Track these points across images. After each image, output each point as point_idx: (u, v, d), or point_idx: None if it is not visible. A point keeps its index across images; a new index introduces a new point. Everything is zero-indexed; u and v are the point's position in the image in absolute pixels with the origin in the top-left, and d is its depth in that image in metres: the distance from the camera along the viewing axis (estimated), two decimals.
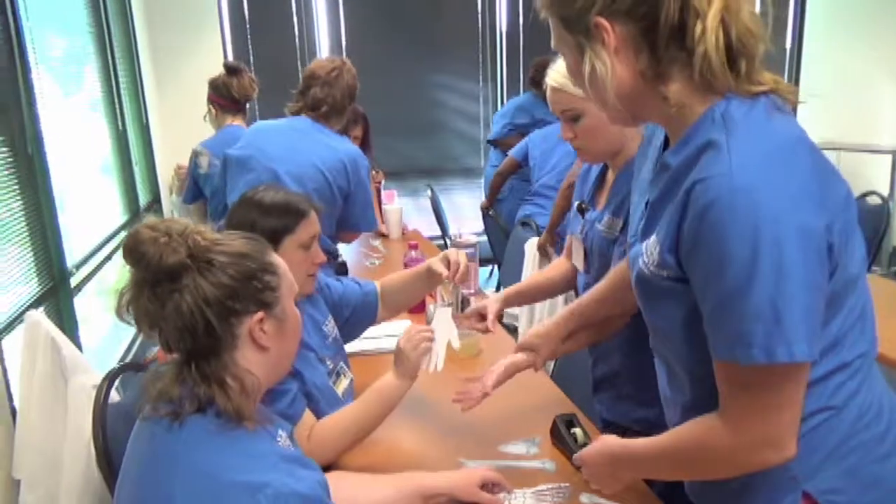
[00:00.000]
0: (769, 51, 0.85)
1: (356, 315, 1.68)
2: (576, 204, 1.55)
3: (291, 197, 1.44)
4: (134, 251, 0.91)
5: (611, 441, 1.06)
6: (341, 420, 1.38)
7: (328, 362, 1.50)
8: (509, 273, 3.39)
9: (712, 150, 0.82)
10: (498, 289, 3.52)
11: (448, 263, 1.58)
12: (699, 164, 0.83)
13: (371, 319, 1.71)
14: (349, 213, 2.29)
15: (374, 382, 1.40)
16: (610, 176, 1.48)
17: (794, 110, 0.91)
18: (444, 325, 1.47)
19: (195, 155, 3.03)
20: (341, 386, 1.51)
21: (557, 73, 1.36)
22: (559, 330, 1.44)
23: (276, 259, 1.02)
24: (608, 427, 1.58)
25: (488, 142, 4.37)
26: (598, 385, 1.60)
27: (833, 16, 4.73)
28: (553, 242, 2.98)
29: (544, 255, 2.99)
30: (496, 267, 4.13)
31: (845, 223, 0.82)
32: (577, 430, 1.38)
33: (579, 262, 1.56)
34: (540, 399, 1.64)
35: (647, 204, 0.96)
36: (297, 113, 2.34)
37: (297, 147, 2.24)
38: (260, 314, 0.96)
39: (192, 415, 0.90)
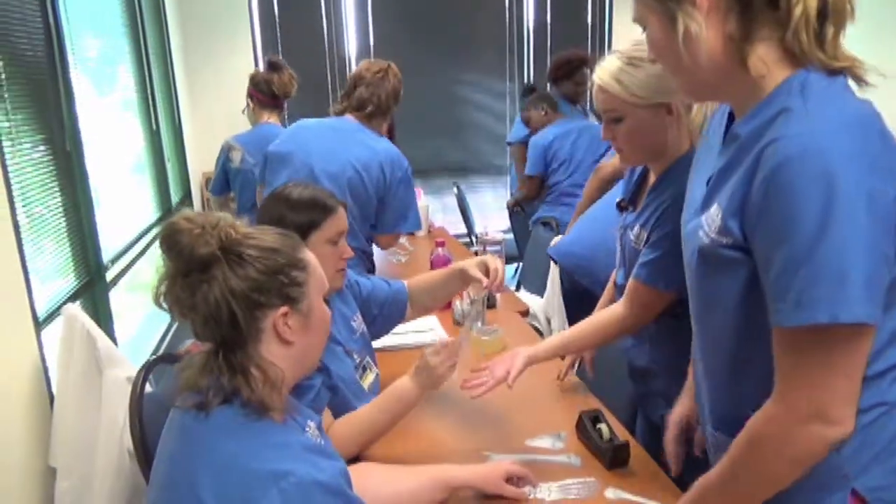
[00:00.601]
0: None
1: (385, 313, 1.70)
2: (617, 200, 1.54)
3: (319, 193, 1.46)
4: (169, 240, 0.94)
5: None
6: (357, 420, 1.40)
7: (355, 356, 1.52)
8: (528, 272, 3.38)
9: (788, 114, 0.82)
10: (518, 287, 3.51)
11: (486, 270, 1.58)
12: (773, 127, 0.83)
13: (399, 317, 1.73)
14: (387, 214, 2.29)
15: (397, 378, 1.42)
16: (651, 178, 1.47)
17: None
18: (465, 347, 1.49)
19: (228, 149, 3.06)
20: (367, 380, 1.54)
21: (604, 72, 1.33)
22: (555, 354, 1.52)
23: (307, 255, 1.04)
24: (643, 422, 1.59)
25: (508, 143, 4.35)
26: (633, 379, 1.60)
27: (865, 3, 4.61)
28: None
29: None
30: (520, 265, 4.13)
31: None
32: (603, 426, 1.38)
33: (618, 257, 1.56)
34: (565, 394, 1.65)
35: (709, 180, 0.96)
36: (341, 113, 2.36)
37: (335, 146, 2.26)
38: (284, 308, 0.98)
39: (219, 406, 0.93)
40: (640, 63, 1.29)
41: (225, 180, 3.12)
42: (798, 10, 0.82)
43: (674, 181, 1.35)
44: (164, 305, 0.96)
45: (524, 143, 3.93)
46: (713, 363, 1.01)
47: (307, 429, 1.03)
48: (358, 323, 1.59)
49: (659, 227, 1.35)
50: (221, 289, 0.93)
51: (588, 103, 3.94)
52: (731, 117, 0.97)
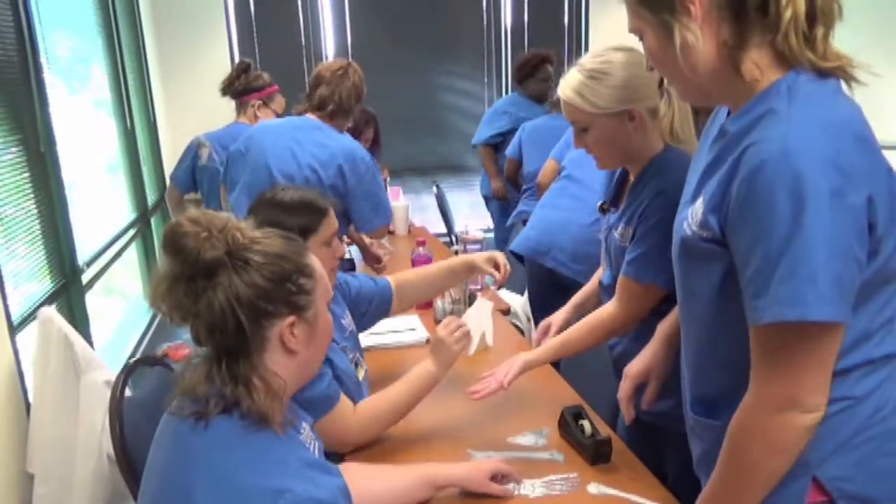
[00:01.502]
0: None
1: (372, 310, 1.73)
2: (598, 203, 1.57)
3: (309, 195, 1.47)
4: (174, 243, 0.92)
5: None
6: (384, 400, 1.44)
7: (349, 353, 1.55)
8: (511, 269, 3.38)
9: (771, 115, 0.85)
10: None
11: (497, 266, 1.65)
12: (756, 128, 0.86)
13: (384, 313, 1.76)
14: (359, 210, 2.27)
15: (383, 373, 1.48)
16: (631, 179, 1.50)
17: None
18: (481, 317, 1.55)
19: (197, 146, 3.02)
20: (359, 375, 1.56)
21: (567, 86, 1.39)
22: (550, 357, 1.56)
23: (313, 261, 1.02)
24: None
25: (473, 145, 4.32)
26: (616, 374, 1.62)
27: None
28: None
29: None
30: None
31: (890, 207, 0.84)
32: (585, 423, 1.40)
33: (603, 258, 1.59)
34: (547, 392, 1.66)
35: (699, 172, 0.99)
36: (301, 113, 2.35)
37: (292, 146, 2.25)
38: (291, 318, 0.96)
39: (218, 416, 0.91)
40: (600, 75, 1.35)
41: (192, 177, 3.08)
42: (787, 14, 0.84)
43: (652, 177, 1.40)
44: (163, 308, 0.94)
45: (489, 144, 3.96)
46: (691, 348, 1.05)
47: (301, 431, 1.03)
48: (348, 321, 1.61)
49: (643, 223, 1.39)
50: (227, 296, 0.91)
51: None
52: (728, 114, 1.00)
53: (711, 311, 0.97)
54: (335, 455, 1.38)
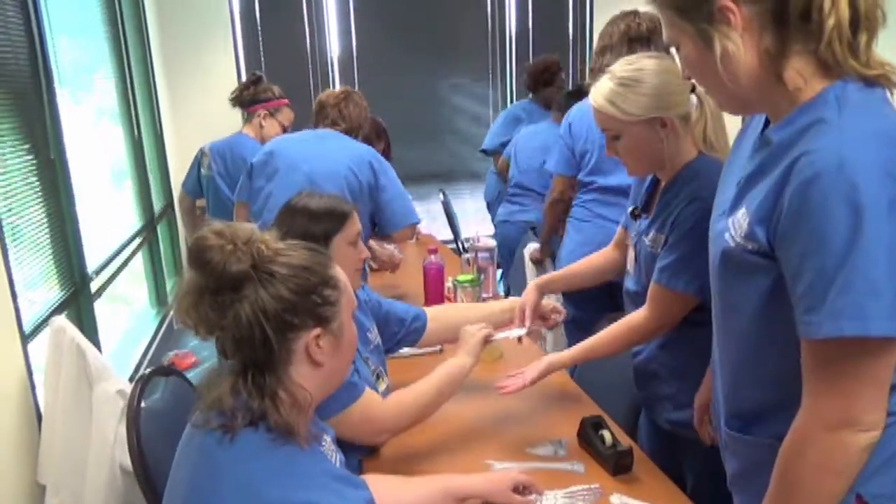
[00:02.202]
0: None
1: (402, 333, 1.74)
2: (630, 209, 1.57)
3: (333, 200, 1.51)
4: (199, 257, 0.91)
5: None
6: (417, 392, 1.45)
7: (370, 364, 1.55)
8: (514, 277, 3.39)
9: (822, 125, 0.83)
10: (507, 293, 3.52)
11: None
12: (805, 138, 0.84)
13: (413, 342, 1.77)
14: (391, 208, 2.32)
15: (408, 381, 1.48)
16: (662, 186, 1.50)
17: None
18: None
19: (201, 154, 3.06)
20: (381, 387, 1.56)
21: (599, 94, 1.38)
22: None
23: (338, 272, 1.02)
24: (648, 426, 1.61)
25: (481, 151, 4.34)
26: (638, 384, 1.62)
27: None
28: (548, 254, 2.97)
29: (539, 266, 2.98)
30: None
31: None
32: (605, 433, 1.39)
33: (630, 264, 1.58)
34: (564, 401, 1.65)
35: (739, 182, 0.97)
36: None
37: (321, 149, 2.31)
38: (317, 330, 0.96)
39: (244, 429, 0.90)
40: (632, 83, 1.34)
41: (199, 185, 3.10)
42: (831, 22, 0.83)
43: (686, 184, 1.39)
44: (189, 322, 0.93)
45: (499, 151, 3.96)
46: (729, 362, 1.03)
47: (324, 444, 1.02)
48: (374, 335, 1.62)
49: (676, 229, 1.38)
50: (254, 309, 0.90)
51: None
52: (766, 122, 0.99)
53: (755, 326, 0.95)
54: (354, 466, 1.37)
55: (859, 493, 0.88)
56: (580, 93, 3.42)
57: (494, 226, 3.78)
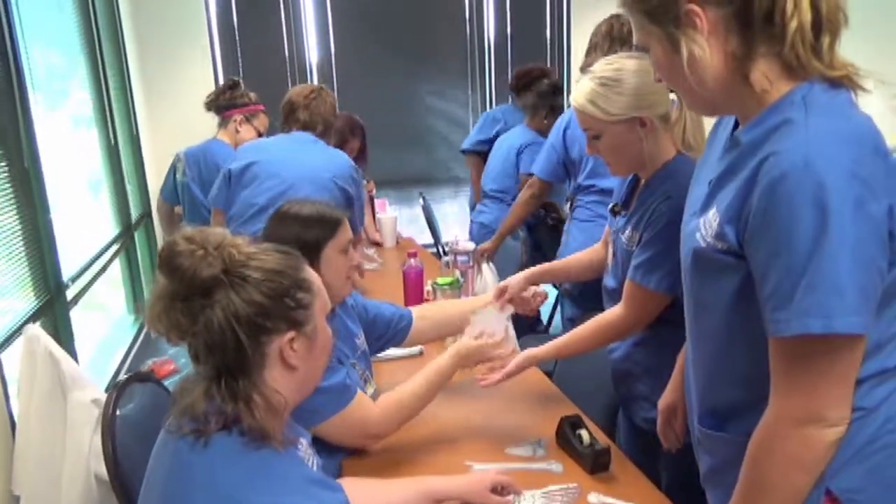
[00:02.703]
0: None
1: (388, 335, 1.74)
2: (610, 205, 1.58)
3: (325, 207, 1.51)
4: (169, 263, 0.90)
5: None
6: (406, 393, 1.46)
7: (358, 369, 1.55)
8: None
9: (789, 126, 0.85)
10: None
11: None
12: (773, 139, 0.85)
13: (399, 342, 1.77)
14: (354, 217, 2.33)
15: (390, 384, 1.49)
16: (641, 184, 1.52)
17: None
18: (494, 321, 1.56)
19: (176, 160, 3.04)
20: (368, 391, 1.56)
21: (580, 94, 1.40)
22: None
23: (311, 275, 1.01)
24: (626, 425, 1.62)
25: (461, 151, 4.35)
26: (615, 383, 1.63)
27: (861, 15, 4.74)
28: (494, 249, 2.99)
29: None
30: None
31: None
32: (583, 432, 1.40)
33: (609, 260, 1.60)
34: (543, 401, 1.66)
35: (710, 182, 0.98)
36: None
37: (302, 156, 2.32)
38: (291, 333, 0.95)
39: (217, 433, 0.90)
40: (612, 83, 1.35)
41: (175, 190, 3.09)
42: (793, 24, 0.85)
43: (661, 183, 1.41)
44: (160, 328, 0.92)
45: (476, 152, 3.97)
46: (702, 360, 1.04)
47: (300, 447, 1.01)
48: (361, 342, 1.62)
49: (650, 228, 1.39)
50: (226, 314, 0.90)
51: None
52: (736, 123, 1.00)
53: (726, 324, 0.96)
54: (333, 468, 1.37)
55: (828, 487, 0.89)
56: (555, 92, 3.47)
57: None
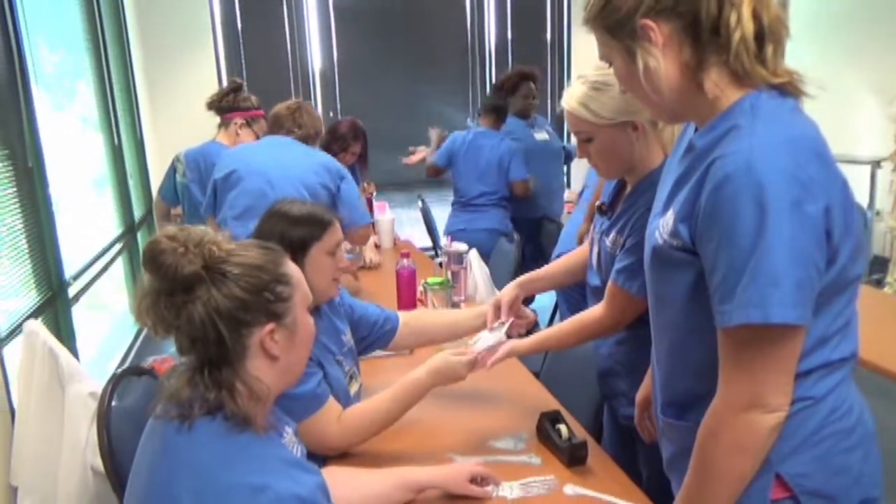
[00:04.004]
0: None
1: (371, 337, 1.75)
2: (597, 204, 1.60)
3: (315, 208, 1.53)
4: (152, 260, 0.94)
5: None
6: (371, 409, 1.46)
7: (344, 365, 1.58)
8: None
9: (736, 131, 0.91)
10: None
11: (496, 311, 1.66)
12: (721, 143, 0.91)
13: (384, 345, 1.77)
14: (344, 212, 2.37)
15: (379, 383, 1.50)
16: (628, 188, 1.54)
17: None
18: (493, 342, 1.56)
19: (176, 160, 3.08)
20: (353, 388, 1.59)
21: (572, 98, 1.42)
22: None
23: (291, 269, 1.05)
24: (610, 421, 1.66)
25: None
26: (599, 380, 1.66)
27: (812, 26, 4.86)
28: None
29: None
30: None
31: (845, 218, 0.89)
32: (562, 427, 1.43)
33: (593, 259, 1.61)
34: (526, 398, 1.70)
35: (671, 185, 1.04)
36: None
37: (281, 154, 2.40)
38: (270, 325, 0.99)
39: (201, 418, 0.94)
40: (604, 87, 1.38)
41: (174, 190, 3.13)
42: (737, 35, 0.90)
43: (647, 190, 1.43)
44: (147, 322, 0.96)
45: None
46: (663, 353, 1.09)
47: (284, 435, 1.05)
48: (348, 338, 1.64)
49: (634, 234, 1.42)
50: (207, 308, 0.94)
51: (538, 116, 4.06)
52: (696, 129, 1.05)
53: (682, 318, 1.01)
54: (318, 458, 1.41)
55: (778, 472, 0.94)
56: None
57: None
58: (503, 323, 1.60)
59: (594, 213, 1.64)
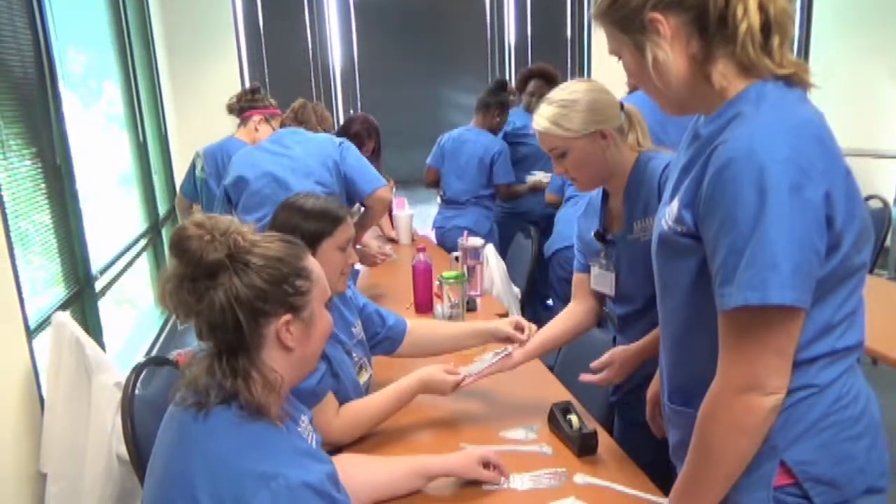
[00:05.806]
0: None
1: (378, 341, 1.76)
2: (592, 233, 1.63)
3: (329, 204, 1.56)
4: (179, 245, 0.98)
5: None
6: (366, 407, 1.52)
7: (354, 355, 1.61)
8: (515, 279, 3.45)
9: (740, 118, 0.93)
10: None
11: (521, 328, 1.66)
12: (726, 129, 0.93)
13: (390, 350, 1.78)
14: (353, 177, 2.41)
15: (388, 376, 1.54)
16: (614, 201, 1.58)
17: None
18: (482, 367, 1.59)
19: (196, 157, 3.14)
20: (362, 378, 1.62)
21: (541, 118, 1.49)
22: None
23: (311, 263, 1.08)
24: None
25: None
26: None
27: (839, 20, 4.79)
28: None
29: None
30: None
31: (848, 206, 0.90)
32: (573, 417, 1.45)
33: (609, 289, 1.61)
34: (538, 389, 1.72)
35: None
36: None
37: (283, 152, 2.44)
38: (287, 317, 1.01)
39: (217, 406, 0.97)
40: (570, 104, 1.47)
41: (194, 186, 3.19)
42: (743, 27, 0.92)
43: (640, 184, 1.49)
44: (169, 306, 0.99)
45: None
46: (669, 340, 1.11)
47: (301, 423, 1.08)
48: (357, 330, 1.67)
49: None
50: (227, 296, 0.96)
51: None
52: None
53: (687, 304, 1.03)
54: (332, 449, 1.44)
55: (783, 459, 0.95)
56: (503, 88, 3.56)
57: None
58: (507, 350, 1.63)
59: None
